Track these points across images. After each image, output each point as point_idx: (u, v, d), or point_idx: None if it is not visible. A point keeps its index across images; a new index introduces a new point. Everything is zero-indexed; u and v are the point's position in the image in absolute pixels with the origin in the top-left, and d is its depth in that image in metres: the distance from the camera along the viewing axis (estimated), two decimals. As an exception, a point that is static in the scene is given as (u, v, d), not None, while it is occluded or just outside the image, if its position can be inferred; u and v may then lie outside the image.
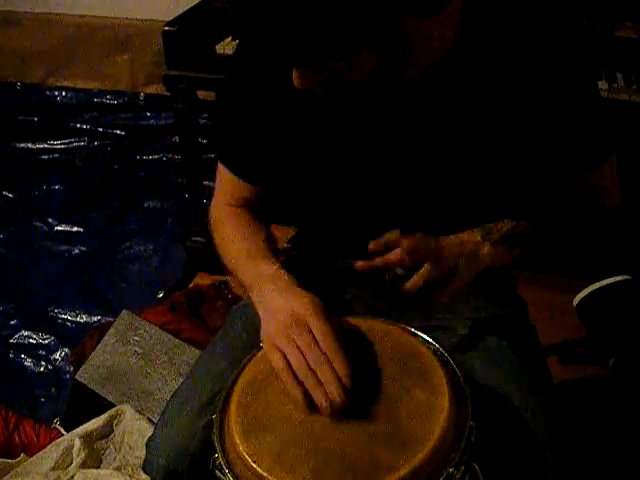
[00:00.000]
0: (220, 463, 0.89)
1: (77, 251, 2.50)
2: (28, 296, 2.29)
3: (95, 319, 2.19)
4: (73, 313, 2.22)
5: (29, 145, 2.99)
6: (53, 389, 1.97)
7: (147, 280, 2.37)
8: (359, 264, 0.99)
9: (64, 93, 2.94)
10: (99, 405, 1.61)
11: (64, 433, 1.60)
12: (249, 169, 1.15)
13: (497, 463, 0.96)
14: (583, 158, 1.04)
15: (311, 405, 0.88)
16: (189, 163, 2.20)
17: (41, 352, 2.08)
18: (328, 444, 0.86)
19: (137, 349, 1.70)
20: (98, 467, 1.45)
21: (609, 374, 1.82)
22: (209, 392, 1.06)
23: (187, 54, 2.01)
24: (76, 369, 1.75)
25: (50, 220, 2.62)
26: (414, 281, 0.96)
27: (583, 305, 1.90)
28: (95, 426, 1.49)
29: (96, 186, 2.80)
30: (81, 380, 1.67)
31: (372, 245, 0.97)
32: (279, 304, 0.95)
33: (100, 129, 2.95)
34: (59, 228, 2.60)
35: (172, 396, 1.14)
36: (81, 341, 1.92)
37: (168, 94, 2.10)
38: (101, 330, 1.81)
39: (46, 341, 2.12)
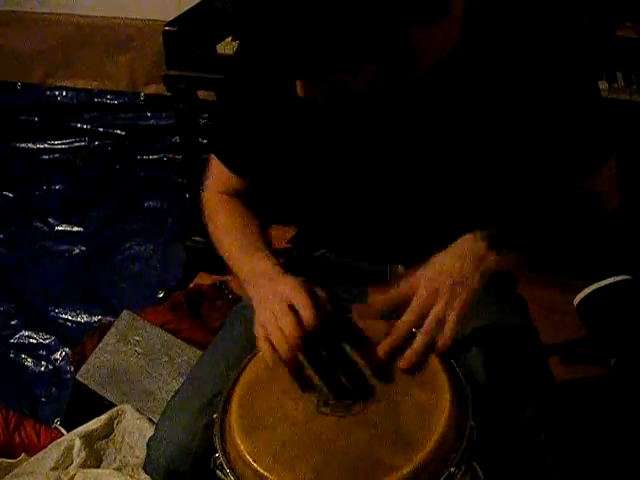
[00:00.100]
0: (221, 463, 0.89)
1: (77, 251, 2.50)
2: (28, 296, 2.28)
3: (95, 319, 2.18)
4: (73, 313, 2.21)
5: (29, 145, 2.98)
6: (54, 389, 1.97)
7: (147, 280, 2.36)
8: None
9: (64, 93, 2.93)
10: (99, 405, 1.61)
11: (64, 433, 1.60)
12: (244, 166, 1.16)
13: (498, 463, 0.96)
14: (583, 161, 1.03)
15: (303, 391, 0.89)
16: (189, 163, 2.20)
17: (41, 352, 2.08)
18: (328, 443, 0.86)
19: (138, 349, 1.70)
20: (98, 467, 1.45)
21: (610, 374, 1.82)
22: (210, 392, 1.06)
23: (187, 54, 2.01)
24: (77, 369, 1.75)
25: (50, 220, 2.61)
26: (409, 356, 0.93)
27: (583, 305, 1.89)
28: (95, 426, 1.49)
29: (96, 186, 2.79)
30: (81, 380, 1.67)
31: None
32: (268, 293, 0.98)
33: (100, 129, 2.94)
34: (59, 228, 2.60)
35: (173, 396, 1.14)
36: (81, 341, 1.92)
37: (168, 94, 2.10)
38: (101, 330, 1.82)
39: (46, 341, 2.11)
